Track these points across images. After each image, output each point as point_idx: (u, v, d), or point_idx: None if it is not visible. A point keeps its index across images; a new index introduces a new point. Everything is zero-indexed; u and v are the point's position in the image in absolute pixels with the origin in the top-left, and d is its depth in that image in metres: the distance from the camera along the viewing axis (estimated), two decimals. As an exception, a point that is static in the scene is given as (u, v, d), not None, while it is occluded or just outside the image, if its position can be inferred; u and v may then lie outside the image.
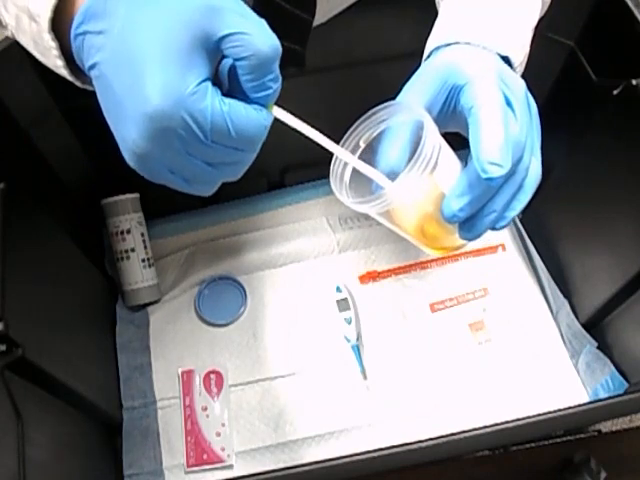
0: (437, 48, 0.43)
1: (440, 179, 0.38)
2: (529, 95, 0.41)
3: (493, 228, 0.40)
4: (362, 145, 0.39)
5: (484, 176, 0.36)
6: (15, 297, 0.50)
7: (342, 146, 0.39)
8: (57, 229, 0.66)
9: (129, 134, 0.32)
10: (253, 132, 0.33)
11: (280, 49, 0.32)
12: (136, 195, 0.78)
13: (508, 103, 0.39)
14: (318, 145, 0.37)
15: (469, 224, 0.39)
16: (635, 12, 0.58)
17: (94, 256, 0.78)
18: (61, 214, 0.69)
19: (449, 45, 0.43)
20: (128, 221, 0.77)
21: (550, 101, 0.76)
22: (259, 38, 0.31)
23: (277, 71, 0.33)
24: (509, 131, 0.37)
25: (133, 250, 0.77)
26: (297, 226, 0.84)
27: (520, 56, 0.44)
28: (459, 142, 0.41)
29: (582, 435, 0.71)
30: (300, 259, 0.82)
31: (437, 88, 0.40)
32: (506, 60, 0.43)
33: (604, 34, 0.64)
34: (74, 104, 0.61)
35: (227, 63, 0.34)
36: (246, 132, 0.33)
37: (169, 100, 0.30)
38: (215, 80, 0.34)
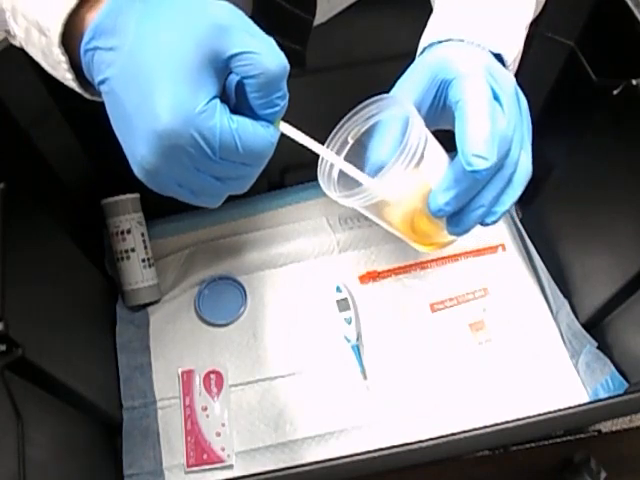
0: (430, 45, 0.43)
1: (426, 173, 0.38)
2: (519, 91, 0.41)
3: (483, 223, 0.40)
4: (350, 141, 0.39)
5: (468, 169, 0.36)
6: (15, 297, 0.50)
7: (330, 142, 0.39)
8: (57, 229, 0.66)
9: (138, 150, 0.32)
10: (261, 148, 0.34)
11: (288, 67, 0.33)
12: (136, 195, 0.78)
13: (496, 98, 0.39)
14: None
15: (457, 218, 0.39)
16: (635, 12, 0.58)
17: (94, 256, 0.78)
18: (61, 214, 0.69)
19: (442, 42, 0.43)
20: (128, 221, 0.77)
21: (550, 101, 0.76)
22: (268, 57, 0.32)
23: (285, 89, 0.33)
24: (496, 125, 0.37)
25: (133, 250, 0.77)
26: (297, 226, 0.84)
27: (513, 54, 0.44)
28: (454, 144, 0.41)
29: (582, 435, 0.71)
30: (300, 259, 0.82)
31: (427, 83, 0.40)
32: (499, 58, 0.43)
33: (604, 34, 0.64)
34: (74, 104, 0.60)
35: (234, 78, 0.34)
36: (254, 149, 0.33)
37: (179, 119, 0.31)
38: (223, 95, 0.34)
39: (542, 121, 0.79)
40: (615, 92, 0.59)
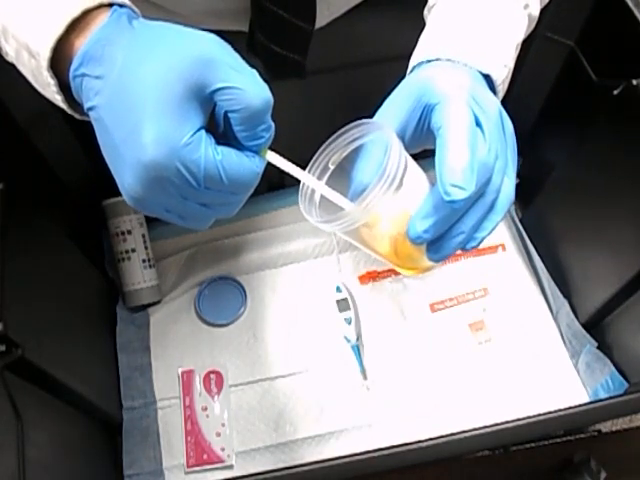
0: (419, 64, 0.43)
1: (406, 199, 0.38)
2: (504, 115, 0.40)
3: (464, 249, 0.39)
4: (331, 167, 0.39)
5: (446, 198, 0.35)
6: (15, 298, 0.50)
7: (311, 167, 0.39)
8: (57, 229, 0.66)
9: (125, 179, 0.33)
10: (245, 179, 0.35)
11: (271, 102, 0.33)
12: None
13: (479, 124, 0.38)
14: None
15: (437, 245, 0.39)
16: (635, 12, 0.58)
17: (94, 256, 0.78)
18: (61, 214, 0.69)
19: (431, 61, 0.42)
20: (129, 222, 0.77)
21: (550, 101, 0.76)
22: (251, 92, 0.32)
23: (269, 121, 0.34)
24: (476, 153, 0.36)
25: (134, 251, 0.77)
26: (297, 226, 0.84)
27: (502, 74, 0.43)
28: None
29: (582, 435, 0.71)
30: (300, 259, 0.82)
31: (411, 106, 0.40)
32: (488, 78, 0.43)
33: (604, 34, 0.64)
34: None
35: (222, 108, 0.35)
36: (238, 179, 0.34)
37: (164, 151, 0.31)
38: (210, 123, 0.35)
39: (542, 121, 0.79)
40: (615, 92, 0.59)
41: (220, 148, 0.33)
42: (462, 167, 0.35)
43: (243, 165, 0.34)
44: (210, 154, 0.33)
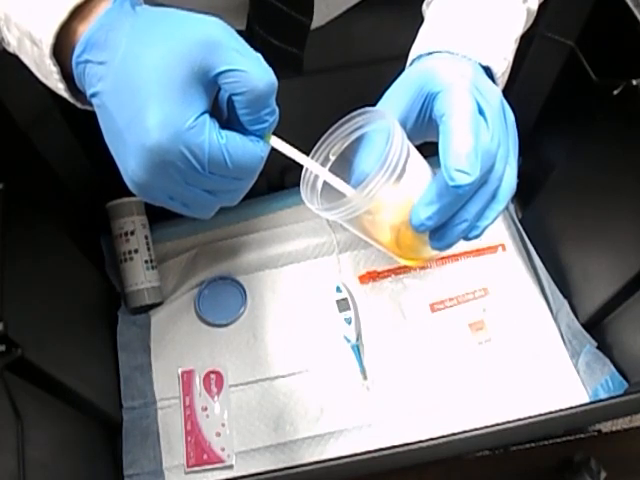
0: (419, 56, 0.43)
1: (409, 186, 0.38)
2: (505, 105, 0.40)
3: (467, 238, 0.39)
4: (332, 158, 0.39)
5: (451, 184, 0.35)
6: (14, 297, 0.50)
7: (312, 157, 0.38)
8: (57, 229, 0.66)
9: (129, 164, 0.33)
10: (250, 163, 0.34)
11: (276, 85, 0.33)
12: (140, 198, 0.78)
13: (481, 112, 0.38)
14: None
15: (440, 233, 0.39)
16: (635, 12, 0.58)
17: (95, 257, 0.78)
18: (61, 215, 0.69)
19: (431, 54, 0.43)
20: (132, 223, 0.77)
21: (550, 101, 0.76)
22: (255, 75, 0.32)
23: (274, 105, 0.34)
24: (479, 140, 0.36)
25: (136, 251, 0.77)
26: (297, 227, 0.84)
27: (502, 67, 0.44)
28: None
29: (582, 435, 0.71)
30: (300, 259, 0.82)
31: (413, 96, 0.40)
32: (488, 71, 0.43)
33: (604, 34, 0.64)
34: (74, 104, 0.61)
35: (226, 93, 0.35)
36: (242, 163, 0.34)
37: (167, 134, 0.31)
38: (214, 109, 0.34)
39: (542, 121, 0.79)
40: (615, 92, 0.59)
41: (224, 132, 0.33)
42: (466, 152, 0.35)
43: (247, 149, 0.34)
44: (214, 138, 0.32)
